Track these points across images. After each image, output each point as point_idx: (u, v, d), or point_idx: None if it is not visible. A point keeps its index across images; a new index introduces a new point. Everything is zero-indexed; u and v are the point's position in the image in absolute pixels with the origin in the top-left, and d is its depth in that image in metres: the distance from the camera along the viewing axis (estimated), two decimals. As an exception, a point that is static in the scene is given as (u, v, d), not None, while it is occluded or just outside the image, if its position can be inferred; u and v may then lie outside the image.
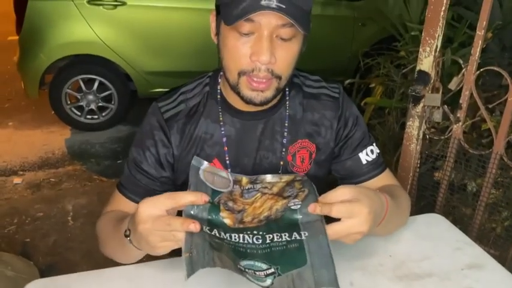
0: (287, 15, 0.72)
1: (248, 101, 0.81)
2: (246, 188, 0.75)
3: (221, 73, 0.89)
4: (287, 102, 0.92)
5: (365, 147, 0.95)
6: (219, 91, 0.90)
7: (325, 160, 0.96)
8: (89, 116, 3.37)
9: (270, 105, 0.89)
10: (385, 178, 0.97)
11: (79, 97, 3.30)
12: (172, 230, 0.64)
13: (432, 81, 1.32)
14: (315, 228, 0.69)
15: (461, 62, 1.31)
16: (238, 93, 0.82)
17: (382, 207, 0.75)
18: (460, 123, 1.34)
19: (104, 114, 3.39)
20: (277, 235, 0.69)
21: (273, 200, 0.74)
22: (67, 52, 3.15)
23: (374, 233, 0.77)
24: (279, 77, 0.80)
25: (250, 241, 0.68)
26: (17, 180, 2.79)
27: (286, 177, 0.77)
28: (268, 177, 0.77)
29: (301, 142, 0.92)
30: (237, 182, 0.76)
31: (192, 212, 0.69)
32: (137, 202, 0.84)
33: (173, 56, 3.28)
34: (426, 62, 1.35)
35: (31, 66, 3.15)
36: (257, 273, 0.64)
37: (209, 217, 0.70)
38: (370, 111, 2.52)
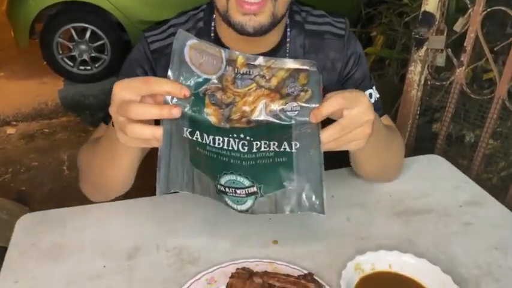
0: None
1: (240, 29, 0.73)
2: (241, 71, 0.60)
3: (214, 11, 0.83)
4: (287, 44, 0.86)
5: (364, 89, 0.90)
6: (213, 28, 0.84)
7: None
8: (81, 67, 3.30)
9: (269, 48, 0.83)
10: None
11: (71, 47, 3.21)
12: (135, 115, 0.56)
13: (437, 22, 1.27)
14: (308, 137, 0.61)
15: (467, 1, 1.25)
16: (229, 23, 0.74)
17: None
18: (463, 67, 1.30)
19: (97, 65, 3.31)
20: (265, 143, 0.61)
21: (269, 98, 0.61)
22: (56, -2, 3.03)
23: (364, 155, 0.75)
24: None
25: (235, 147, 0.61)
26: (10, 130, 2.76)
27: (291, 63, 0.61)
28: (270, 60, 0.61)
29: None
30: (231, 61, 0.60)
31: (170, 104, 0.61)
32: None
33: (168, 4, 3.16)
34: (432, 2, 1.29)
35: (20, 13, 3.04)
36: (238, 191, 0.61)
37: (191, 113, 0.60)
38: (371, 62, 2.46)
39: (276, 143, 0.61)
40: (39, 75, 3.45)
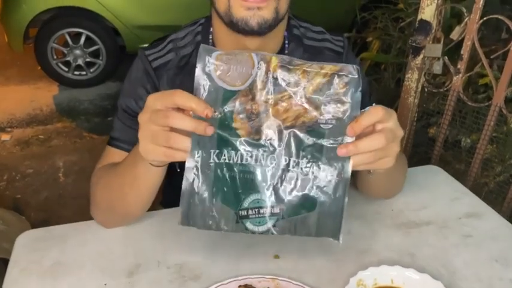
0: None
1: (243, 26, 0.71)
2: (274, 75, 0.57)
3: (213, 21, 0.82)
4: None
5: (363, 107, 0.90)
6: (211, 41, 0.83)
7: None
8: (76, 72, 3.28)
9: None
10: None
11: (65, 52, 3.20)
12: (172, 123, 0.56)
13: (434, 31, 1.28)
14: (337, 162, 0.59)
15: (464, 10, 1.26)
16: (231, 22, 0.72)
17: None
18: (460, 75, 1.30)
19: (92, 70, 3.29)
20: (294, 161, 0.59)
21: (302, 109, 0.58)
22: (51, 4, 3.01)
23: (378, 177, 0.74)
24: None
25: (263, 162, 0.59)
26: (5, 137, 2.73)
27: (330, 67, 0.57)
28: (306, 63, 0.58)
29: None
30: (263, 64, 0.57)
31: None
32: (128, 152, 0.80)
33: (163, 9, 3.16)
34: (428, 11, 1.30)
35: (14, 18, 3.02)
36: (261, 211, 0.60)
37: (219, 131, 0.58)
38: (366, 66, 2.47)
39: (305, 163, 0.60)
40: (33, 81, 3.43)
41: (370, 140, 0.58)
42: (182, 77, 0.83)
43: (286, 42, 0.86)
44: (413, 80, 1.38)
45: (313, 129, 0.59)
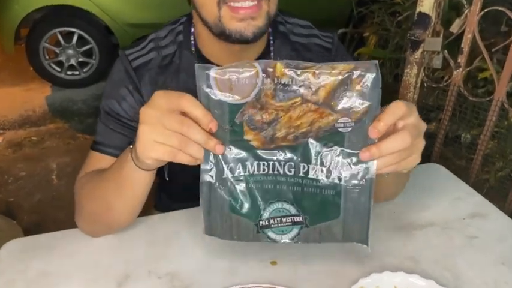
0: None
1: (238, 37, 0.69)
2: (282, 82, 0.53)
3: (194, 23, 0.78)
4: (271, 54, 0.82)
5: None
6: (193, 43, 0.80)
7: None
8: (69, 72, 3.23)
9: (252, 59, 0.79)
10: None
11: (58, 52, 3.15)
12: (185, 132, 0.53)
13: (433, 24, 1.24)
14: (360, 165, 0.55)
15: (464, 2, 1.23)
16: (222, 33, 0.70)
17: None
18: (461, 69, 1.27)
19: (85, 70, 3.24)
20: (312, 168, 0.56)
21: (317, 114, 0.54)
22: (42, 2, 2.96)
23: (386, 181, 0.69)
24: None
25: (281, 171, 0.57)
26: (-3, 139, 2.69)
27: (341, 67, 0.52)
28: (315, 65, 0.53)
29: None
30: (268, 72, 0.53)
31: None
32: (115, 157, 0.75)
33: (156, 6, 3.11)
34: (427, 3, 1.26)
35: (5, 17, 2.97)
36: (284, 219, 0.58)
37: (231, 145, 0.56)
38: (363, 62, 2.43)
39: (325, 170, 0.56)
40: (25, 82, 3.37)
41: (394, 140, 0.53)
42: (165, 77, 0.79)
43: (271, 39, 0.82)
44: (412, 75, 1.34)
45: (330, 133, 0.55)
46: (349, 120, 0.54)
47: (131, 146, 0.63)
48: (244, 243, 0.71)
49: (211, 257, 0.72)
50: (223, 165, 0.57)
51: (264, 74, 0.53)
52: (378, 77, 0.53)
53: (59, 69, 3.20)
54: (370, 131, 0.54)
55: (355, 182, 0.56)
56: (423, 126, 0.57)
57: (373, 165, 0.55)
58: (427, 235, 0.78)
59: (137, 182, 0.66)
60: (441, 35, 1.28)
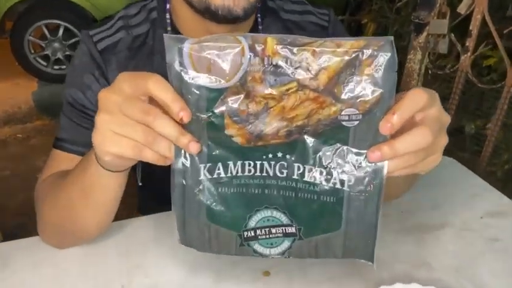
0: None
1: (226, 14, 0.59)
2: (273, 62, 0.42)
3: None
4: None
5: None
6: (168, 21, 0.70)
7: None
8: (56, 66, 3.13)
9: None
10: None
11: (43, 45, 3.04)
12: (150, 123, 0.43)
13: (438, 5, 1.15)
14: (367, 167, 0.44)
15: (472, -20, 1.13)
16: (207, 10, 0.60)
17: None
18: (469, 54, 1.17)
19: (72, 63, 3.13)
20: (309, 170, 0.46)
21: (316, 103, 0.43)
22: (26, -7, 2.86)
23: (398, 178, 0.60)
24: None
25: (271, 172, 0.46)
26: (-20, 137, 2.59)
27: (349, 44, 0.42)
28: (317, 41, 0.42)
29: None
30: (256, 50, 0.42)
31: None
32: (82, 155, 0.66)
33: (145, -3, 3.00)
34: (431, -17, 1.17)
35: (-13, 10, 2.85)
36: (273, 230, 0.48)
37: (208, 142, 0.46)
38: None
39: (324, 172, 0.45)
40: (11, 77, 3.26)
41: (412, 137, 0.42)
42: (136, 61, 0.69)
43: (259, 16, 0.72)
44: (416, 61, 1.25)
45: (332, 128, 0.44)
46: (356, 112, 0.43)
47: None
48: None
49: (195, 267, 0.63)
50: (199, 165, 0.46)
51: (251, 53, 0.42)
52: (394, 57, 0.42)
53: (45, 64, 3.09)
54: (382, 125, 0.42)
55: (361, 187, 0.45)
56: (446, 119, 0.46)
57: (384, 168, 0.44)
58: (441, 238, 0.69)
59: (105, 186, 0.56)
60: (447, 17, 1.18)
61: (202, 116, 0.44)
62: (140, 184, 0.58)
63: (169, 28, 0.69)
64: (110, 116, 0.44)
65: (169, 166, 0.83)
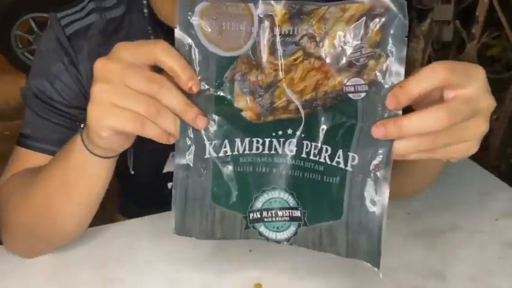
0: None
1: None
2: (283, 31, 0.41)
3: None
4: None
5: None
6: (145, 2, 0.63)
7: None
8: (45, 61, 3.04)
9: None
10: None
11: (31, 39, 2.96)
12: (155, 92, 0.39)
13: (442, -11, 1.08)
14: (374, 147, 0.40)
15: (478, -37, 1.06)
16: None
17: None
18: (475, 41, 1.11)
19: (62, 58, 3.06)
20: (315, 146, 0.43)
21: (321, 73, 0.42)
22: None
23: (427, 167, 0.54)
24: None
25: (280, 150, 0.43)
26: (-34, 135, 2.51)
27: (354, 7, 0.39)
28: (322, 7, 0.40)
29: None
30: (266, 19, 0.41)
31: None
32: (52, 154, 0.59)
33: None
34: (435, -34, 1.09)
35: (-29, 4, 2.77)
36: (280, 213, 0.44)
37: (216, 117, 0.43)
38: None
39: (330, 150, 0.42)
40: (-1, 73, 3.18)
41: (423, 116, 0.36)
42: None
43: None
44: (418, 50, 1.18)
45: (340, 102, 0.41)
46: (362, 82, 0.39)
47: (82, 126, 0.47)
48: (222, 256, 0.58)
49: (177, 278, 0.56)
50: (206, 142, 0.43)
51: (260, 22, 0.41)
52: (405, 21, 0.38)
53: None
54: (388, 99, 0.37)
55: (366, 169, 0.41)
56: (487, 103, 0.38)
57: (391, 149, 0.39)
58: (452, 243, 0.63)
59: (91, 175, 0.50)
60: (452, 2, 1.11)
61: (211, 87, 0.41)
62: (132, 172, 0.56)
63: (146, 10, 0.62)
64: (109, 85, 0.40)
65: (152, 165, 0.74)
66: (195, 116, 0.40)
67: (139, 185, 0.77)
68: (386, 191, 0.40)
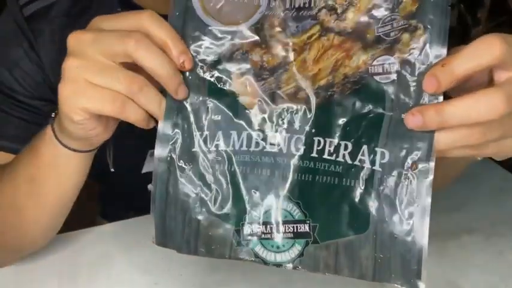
0: None
1: None
2: (297, 4, 0.36)
3: None
4: None
5: None
6: None
7: None
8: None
9: None
10: None
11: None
12: (131, 52, 0.33)
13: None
14: (410, 141, 0.33)
15: None
16: None
17: None
18: (480, 27, 1.06)
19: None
20: (330, 143, 0.36)
21: (342, 51, 0.35)
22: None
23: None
24: None
25: (284, 147, 0.37)
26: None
27: None
28: None
29: None
30: None
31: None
32: (14, 151, 0.54)
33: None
34: None
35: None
36: (281, 228, 0.36)
37: (209, 103, 0.37)
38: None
39: (350, 146, 0.35)
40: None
41: (472, 100, 0.29)
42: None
43: None
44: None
45: (362, 86, 0.34)
46: (392, 60, 0.33)
47: (53, 115, 0.41)
48: (205, 267, 0.53)
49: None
50: (195, 131, 0.36)
51: None
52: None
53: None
54: (425, 80, 0.31)
55: (399, 169, 0.34)
56: None
57: (432, 141, 0.32)
58: (467, 247, 0.58)
59: (62, 172, 0.45)
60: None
61: (205, 67, 0.36)
62: (112, 170, 0.53)
63: None
64: (82, 60, 0.35)
65: (132, 163, 0.67)
66: (177, 83, 0.35)
67: (120, 185, 0.72)
68: (428, 194, 0.33)
